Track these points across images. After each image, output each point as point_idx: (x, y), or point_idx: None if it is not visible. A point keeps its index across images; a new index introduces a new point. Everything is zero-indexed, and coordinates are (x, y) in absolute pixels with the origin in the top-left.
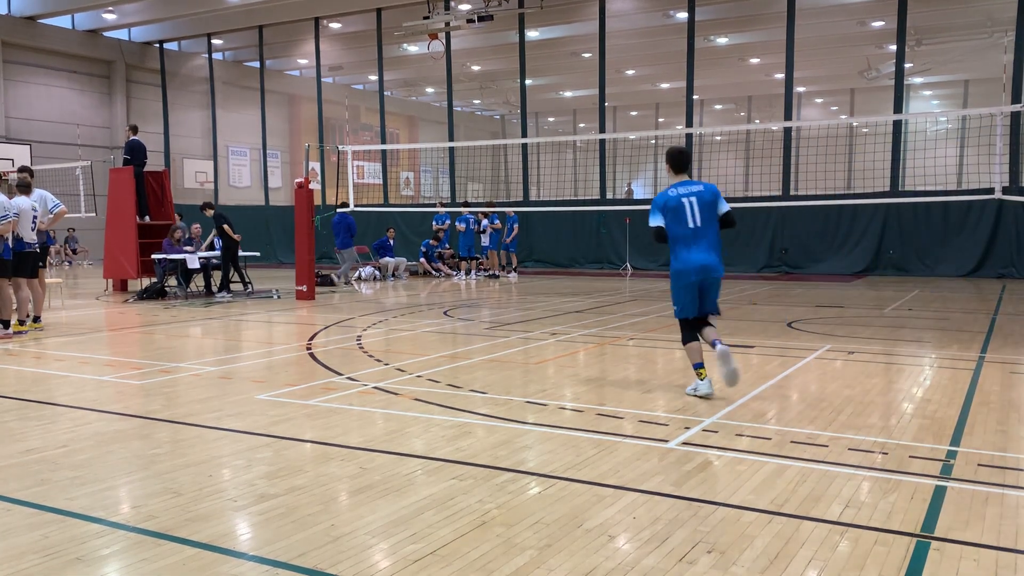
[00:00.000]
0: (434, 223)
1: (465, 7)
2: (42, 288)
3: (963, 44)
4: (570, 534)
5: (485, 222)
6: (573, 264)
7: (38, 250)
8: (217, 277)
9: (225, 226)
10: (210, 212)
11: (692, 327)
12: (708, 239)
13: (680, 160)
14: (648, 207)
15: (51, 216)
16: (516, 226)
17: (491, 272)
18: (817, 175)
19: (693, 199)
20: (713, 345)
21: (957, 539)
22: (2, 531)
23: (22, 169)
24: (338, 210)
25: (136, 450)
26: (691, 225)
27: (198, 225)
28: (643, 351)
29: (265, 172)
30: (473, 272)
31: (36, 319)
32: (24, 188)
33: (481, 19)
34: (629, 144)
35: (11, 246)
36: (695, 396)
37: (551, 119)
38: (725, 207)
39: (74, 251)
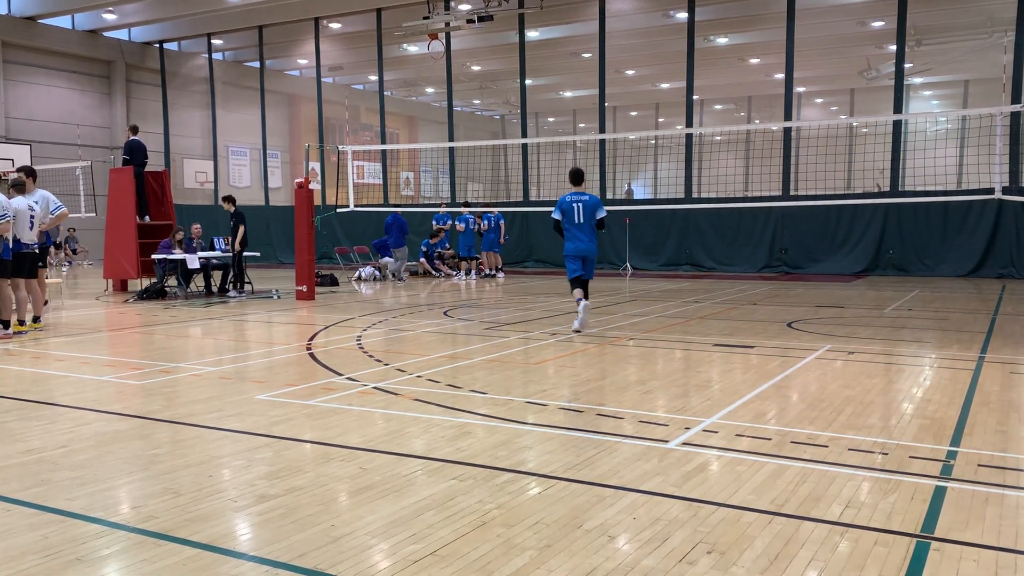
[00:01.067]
0: (434, 223)
1: (465, 7)
2: (41, 288)
3: (963, 44)
4: (570, 534)
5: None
6: None
7: (36, 251)
8: (217, 277)
9: (242, 227)
10: (231, 207)
11: (576, 283)
12: (586, 232)
13: (576, 177)
14: (648, 207)
15: (52, 217)
16: (502, 223)
17: (489, 272)
18: (817, 175)
19: (580, 205)
20: (578, 302)
21: (957, 539)
22: (2, 531)
23: (21, 169)
24: (392, 210)
25: (136, 450)
26: (576, 221)
27: (198, 225)
28: (643, 351)
29: (265, 172)
30: (473, 272)
31: (36, 319)
32: (20, 188)
33: (481, 19)
34: (629, 144)
35: (10, 247)
36: (578, 312)
37: (551, 119)
38: (602, 214)
39: (74, 251)
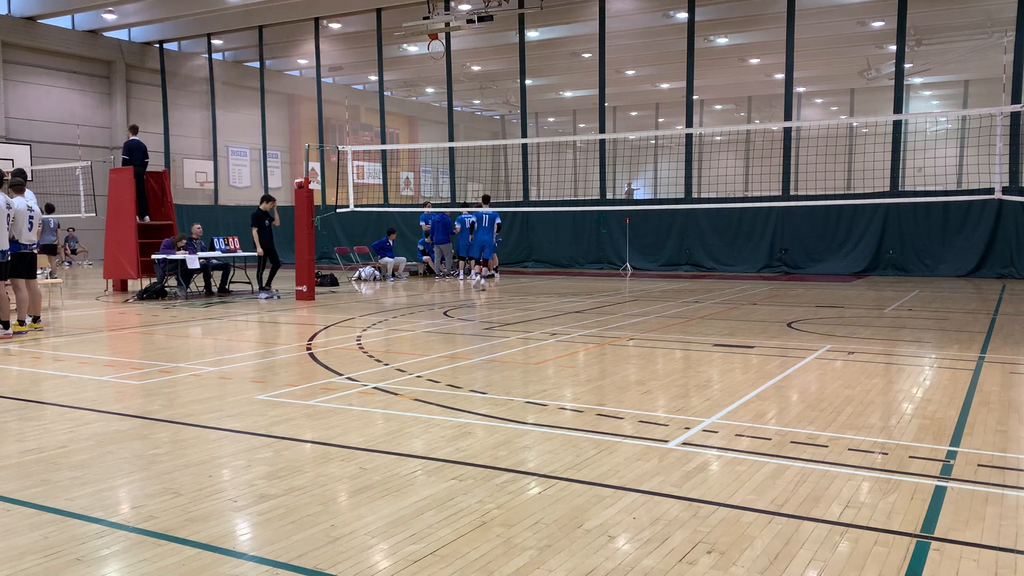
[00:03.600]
0: (421, 223)
1: (465, 7)
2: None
3: (963, 44)
4: (570, 534)
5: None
6: (573, 264)
7: (35, 251)
8: (217, 277)
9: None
10: (268, 205)
11: (477, 260)
12: (486, 229)
13: (486, 200)
14: (648, 207)
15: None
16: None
17: (489, 273)
18: (817, 175)
19: (487, 216)
20: (483, 274)
21: (957, 539)
22: (2, 531)
23: (13, 172)
24: (437, 211)
25: (136, 450)
26: (483, 225)
27: (198, 225)
28: (643, 351)
29: (265, 172)
30: (473, 272)
31: (36, 319)
32: (19, 189)
33: (481, 19)
34: (629, 144)
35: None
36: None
37: (551, 119)
38: (498, 220)
39: (74, 251)
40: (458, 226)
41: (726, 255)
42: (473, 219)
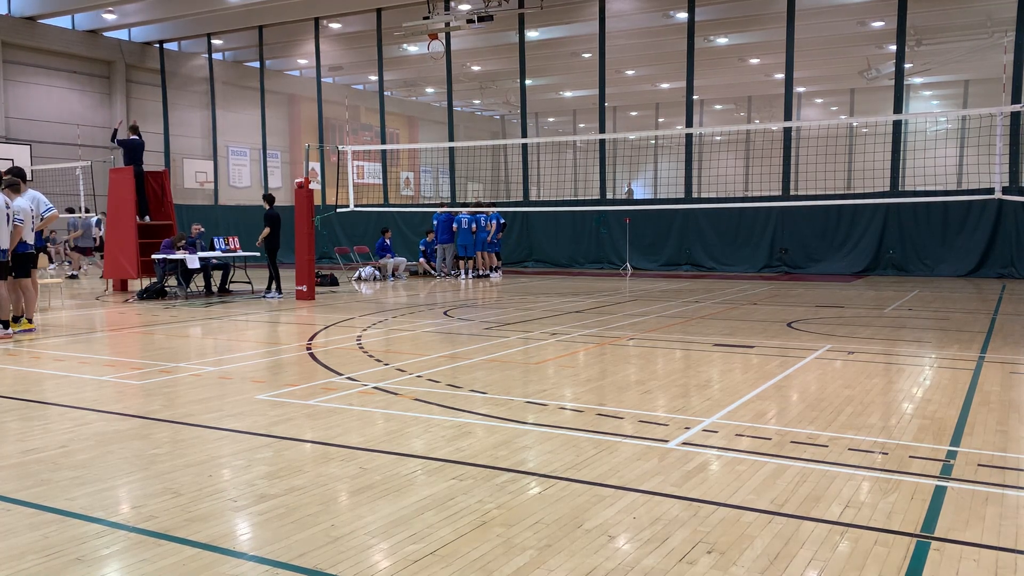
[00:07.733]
0: (434, 222)
1: (465, 7)
2: (35, 289)
3: (963, 44)
4: (570, 534)
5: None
6: (573, 264)
7: (34, 251)
8: (217, 277)
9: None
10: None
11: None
12: (479, 234)
13: (479, 205)
14: (648, 207)
15: (43, 219)
16: (491, 223)
17: (483, 272)
18: (817, 175)
19: (495, 220)
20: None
21: (957, 539)
22: (2, 531)
23: (11, 171)
24: (443, 211)
25: (136, 450)
26: (478, 228)
27: (198, 225)
28: (643, 351)
29: (265, 172)
30: (468, 272)
31: (28, 320)
32: (16, 189)
33: (481, 19)
34: (629, 144)
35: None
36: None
37: (551, 119)
38: (484, 223)
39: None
40: (455, 226)
41: (726, 255)
42: (480, 220)
